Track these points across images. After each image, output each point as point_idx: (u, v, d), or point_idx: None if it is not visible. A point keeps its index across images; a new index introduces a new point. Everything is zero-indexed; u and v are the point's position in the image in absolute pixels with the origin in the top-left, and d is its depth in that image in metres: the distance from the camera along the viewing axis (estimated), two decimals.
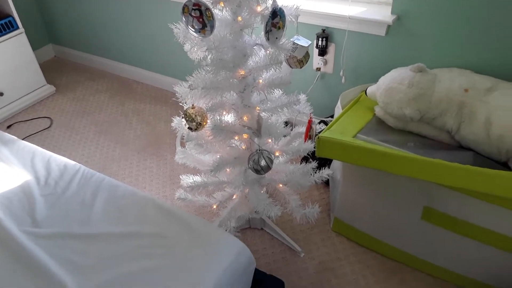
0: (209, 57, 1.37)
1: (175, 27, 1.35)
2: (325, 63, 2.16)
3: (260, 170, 1.46)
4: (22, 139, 2.60)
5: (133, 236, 1.35)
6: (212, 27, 1.30)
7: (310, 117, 1.65)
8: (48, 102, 3.00)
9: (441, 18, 1.73)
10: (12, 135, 2.63)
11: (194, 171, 1.69)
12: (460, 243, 1.55)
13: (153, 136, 2.60)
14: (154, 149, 2.50)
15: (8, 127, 2.76)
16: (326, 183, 2.15)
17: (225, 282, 1.22)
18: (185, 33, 1.35)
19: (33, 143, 2.56)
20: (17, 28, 2.76)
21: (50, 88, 3.07)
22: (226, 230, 1.71)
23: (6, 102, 2.82)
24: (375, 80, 1.96)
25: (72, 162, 1.67)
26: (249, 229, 1.95)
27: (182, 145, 2.48)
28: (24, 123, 2.80)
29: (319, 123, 2.10)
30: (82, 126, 2.74)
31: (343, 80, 2.13)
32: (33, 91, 2.97)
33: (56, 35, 3.48)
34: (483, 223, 1.45)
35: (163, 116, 2.78)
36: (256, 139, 1.51)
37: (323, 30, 2.07)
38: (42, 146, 2.57)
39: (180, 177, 1.71)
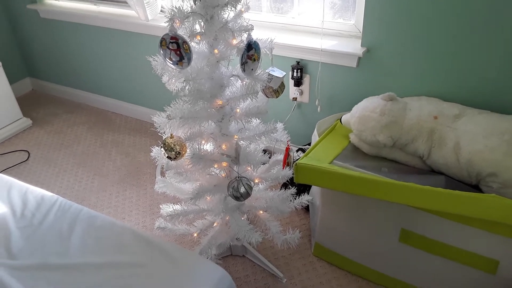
0: (186, 88, 1.41)
1: (153, 60, 1.40)
2: (301, 93, 2.23)
3: (239, 197, 1.48)
4: None
5: (112, 266, 1.33)
6: (190, 59, 1.34)
7: (288, 145, 1.69)
8: (25, 135, 2.97)
9: (408, 50, 1.83)
10: None
11: (174, 200, 1.70)
12: (438, 264, 1.58)
13: (133, 167, 2.60)
14: (134, 180, 2.49)
15: None
16: (306, 208, 2.18)
17: None
18: (163, 65, 1.39)
19: (11, 176, 2.53)
20: None
21: (26, 121, 3.04)
22: (207, 258, 1.71)
23: None
24: (349, 108, 2.03)
25: (50, 194, 1.66)
26: (231, 256, 1.95)
27: (162, 174, 2.48)
28: (1, 156, 2.75)
29: (297, 151, 2.15)
30: (60, 158, 2.71)
31: (318, 109, 2.20)
32: (9, 124, 2.94)
33: (34, 69, 3.48)
34: (459, 244, 1.49)
35: (143, 146, 2.79)
36: (235, 167, 1.54)
37: (298, 62, 2.15)
38: (20, 179, 2.52)
39: (160, 206, 1.71)
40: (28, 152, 2.79)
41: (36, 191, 1.67)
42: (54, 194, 1.65)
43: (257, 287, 1.80)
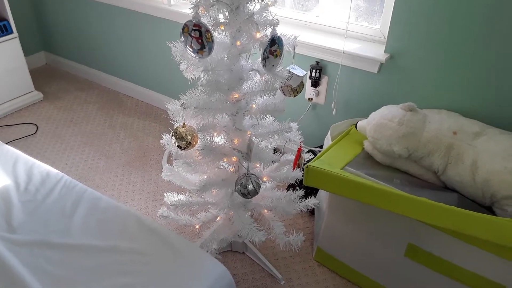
0: (204, 78, 1.37)
1: (173, 46, 1.36)
2: (317, 94, 2.19)
3: (247, 194, 1.44)
4: (6, 144, 2.55)
5: (112, 250, 1.31)
6: (211, 49, 1.31)
7: (300, 146, 1.66)
8: (34, 108, 2.96)
9: (433, 60, 1.78)
10: None
11: (179, 189, 1.67)
12: (442, 283, 1.54)
13: (140, 151, 2.58)
14: (140, 164, 2.46)
15: None
16: (311, 212, 2.14)
17: None
18: (182, 52, 1.36)
19: (17, 149, 2.51)
20: (11, 32, 2.75)
21: (38, 95, 3.03)
22: (207, 252, 1.68)
23: None
24: (365, 114, 1.99)
25: (55, 171, 1.63)
26: (231, 252, 1.92)
27: (169, 162, 2.45)
28: (9, 127, 2.74)
29: (307, 152, 2.12)
30: (68, 135, 2.70)
31: (334, 112, 2.16)
32: (20, 96, 2.93)
33: (50, 43, 3.46)
34: (467, 265, 1.45)
35: (152, 131, 2.76)
36: (245, 163, 1.50)
37: (317, 62, 2.11)
38: (26, 152, 2.51)
39: (165, 194, 1.68)
40: (37, 125, 2.77)
41: (42, 167, 1.65)
42: (60, 172, 1.63)
43: (255, 286, 1.77)
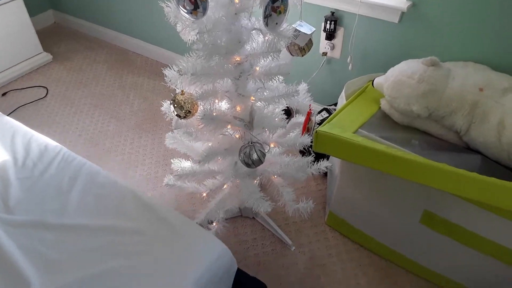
0: (200, 40, 1.25)
1: (166, 6, 1.24)
2: (332, 47, 2.03)
3: (251, 164, 1.37)
4: (17, 108, 2.54)
5: (109, 230, 1.27)
6: (205, 9, 1.18)
7: (310, 109, 1.54)
8: (44, 70, 2.91)
9: (462, 8, 1.59)
10: (7, 103, 2.58)
11: (187, 155, 1.62)
12: (458, 250, 1.47)
13: (150, 113, 2.52)
14: (150, 127, 2.41)
15: (3, 94, 2.68)
16: (325, 174, 2.06)
17: (204, 284, 1.15)
18: (176, 13, 1.23)
19: (28, 113, 2.50)
20: None
21: (46, 56, 2.96)
22: (215, 220, 1.65)
23: (1, 69, 2.73)
24: (383, 69, 1.84)
25: (54, 143, 1.58)
26: (240, 217, 1.89)
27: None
28: (20, 91, 2.71)
29: (321, 111, 2.00)
30: (78, 97, 2.65)
31: (350, 67, 2.01)
32: (28, 58, 2.87)
33: (57, 1, 3.34)
34: (485, 233, 1.37)
35: (162, 92, 2.68)
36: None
37: (332, 13, 1.93)
38: (37, 116, 2.50)
39: (171, 160, 1.62)
40: (47, 88, 2.73)
41: (41, 139, 1.60)
42: (58, 144, 1.58)
43: (265, 252, 1.75)
